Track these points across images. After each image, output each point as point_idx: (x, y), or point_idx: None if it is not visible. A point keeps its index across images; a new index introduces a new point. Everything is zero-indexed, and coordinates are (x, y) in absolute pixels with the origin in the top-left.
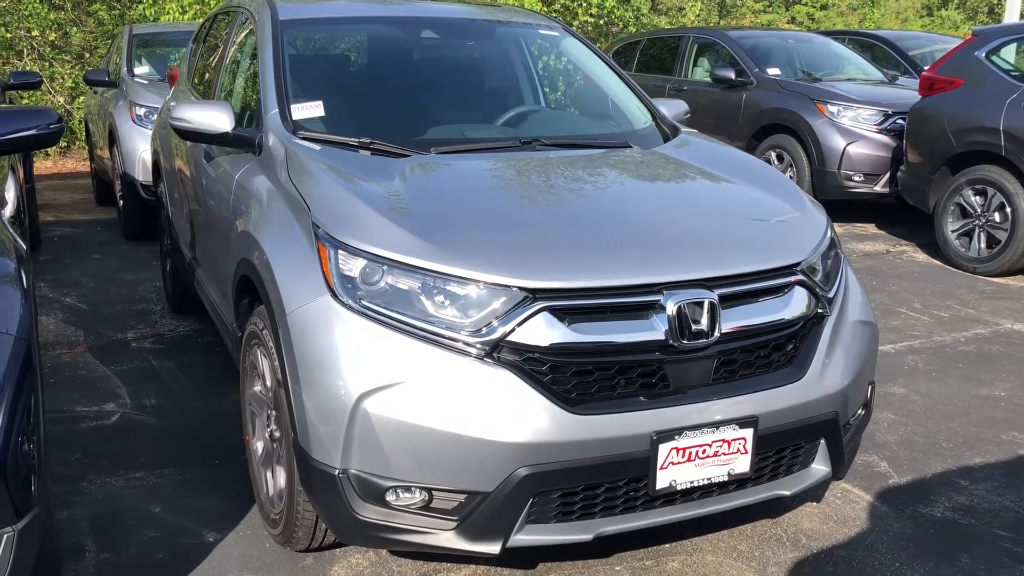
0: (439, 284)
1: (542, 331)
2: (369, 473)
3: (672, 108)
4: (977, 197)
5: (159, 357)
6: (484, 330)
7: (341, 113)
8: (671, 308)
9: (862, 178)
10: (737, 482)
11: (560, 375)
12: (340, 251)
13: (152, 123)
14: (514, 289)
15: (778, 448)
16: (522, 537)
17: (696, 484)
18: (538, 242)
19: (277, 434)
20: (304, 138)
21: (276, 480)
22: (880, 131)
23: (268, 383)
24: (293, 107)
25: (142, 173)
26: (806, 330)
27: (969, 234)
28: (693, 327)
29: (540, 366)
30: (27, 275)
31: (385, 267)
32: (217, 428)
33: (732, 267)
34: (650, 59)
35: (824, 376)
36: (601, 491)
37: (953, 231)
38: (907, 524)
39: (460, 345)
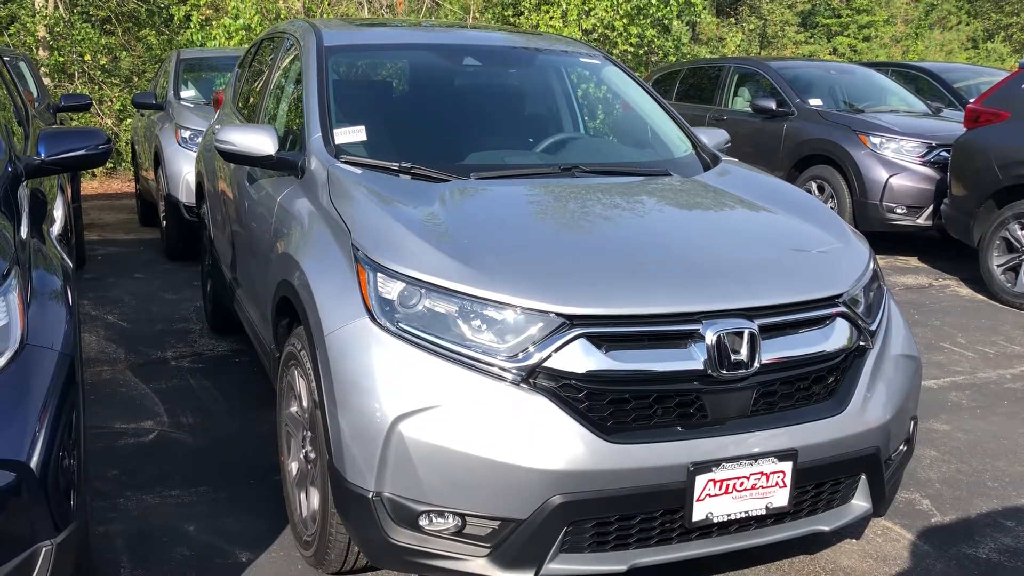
0: (476, 308)
1: (579, 358)
2: (403, 497)
3: (713, 137)
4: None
5: (197, 376)
6: (521, 355)
7: (382, 138)
8: (710, 338)
9: (904, 210)
10: (775, 516)
11: (596, 403)
12: (379, 274)
13: (197, 146)
14: (551, 315)
15: (818, 482)
16: (555, 566)
17: (733, 517)
18: (576, 268)
19: (312, 455)
20: (346, 162)
21: (310, 501)
22: (923, 163)
23: (304, 404)
24: (336, 131)
25: (185, 194)
26: (848, 363)
27: (1015, 269)
28: (732, 357)
29: (576, 393)
30: (72, 292)
31: (423, 290)
32: (252, 448)
33: (773, 297)
34: (690, 88)
35: (866, 410)
36: (636, 522)
37: (999, 265)
38: (950, 565)
39: (496, 370)
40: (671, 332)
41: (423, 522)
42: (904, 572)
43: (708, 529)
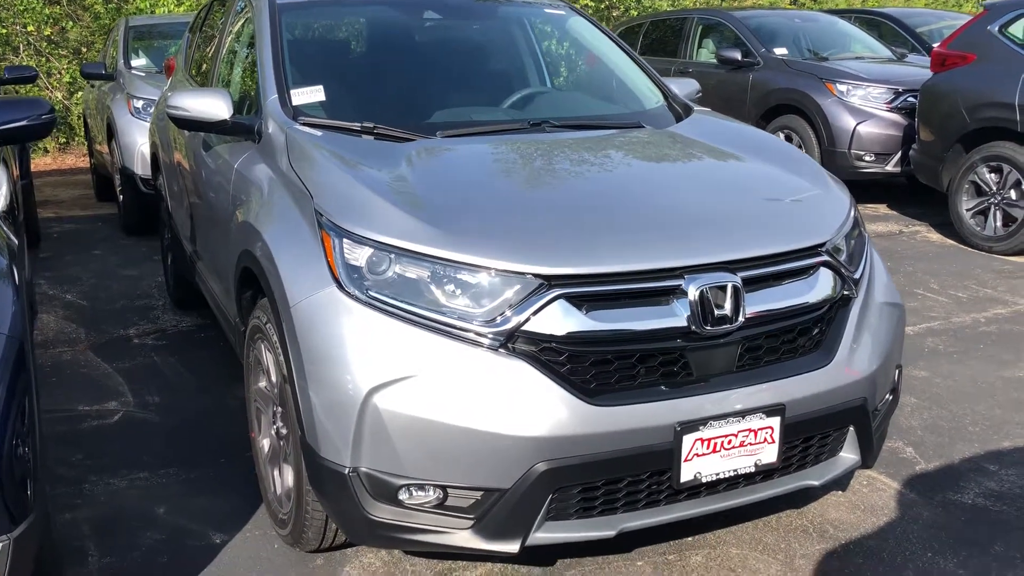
0: (449, 272)
1: (558, 319)
2: (380, 471)
3: (684, 87)
4: (992, 175)
5: (162, 353)
6: (498, 320)
7: (342, 98)
8: (693, 293)
9: (873, 158)
10: (764, 473)
11: (578, 365)
12: (345, 240)
13: (150, 116)
14: (528, 276)
15: (806, 437)
16: (542, 535)
17: (722, 476)
18: (551, 227)
19: (284, 431)
20: (305, 124)
21: (284, 479)
22: (891, 109)
23: (273, 378)
24: (293, 92)
25: (141, 167)
26: (832, 313)
27: (984, 212)
28: (716, 312)
29: (557, 356)
30: (19, 271)
31: (392, 255)
32: (222, 425)
33: (755, 249)
34: (654, 42)
35: (852, 361)
36: (623, 485)
37: (968, 209)
38: (937, 512)
39: (473, 336)
40: (652, 289)
41: (403, 496)
42: (892, 522)
43: (696, 489)
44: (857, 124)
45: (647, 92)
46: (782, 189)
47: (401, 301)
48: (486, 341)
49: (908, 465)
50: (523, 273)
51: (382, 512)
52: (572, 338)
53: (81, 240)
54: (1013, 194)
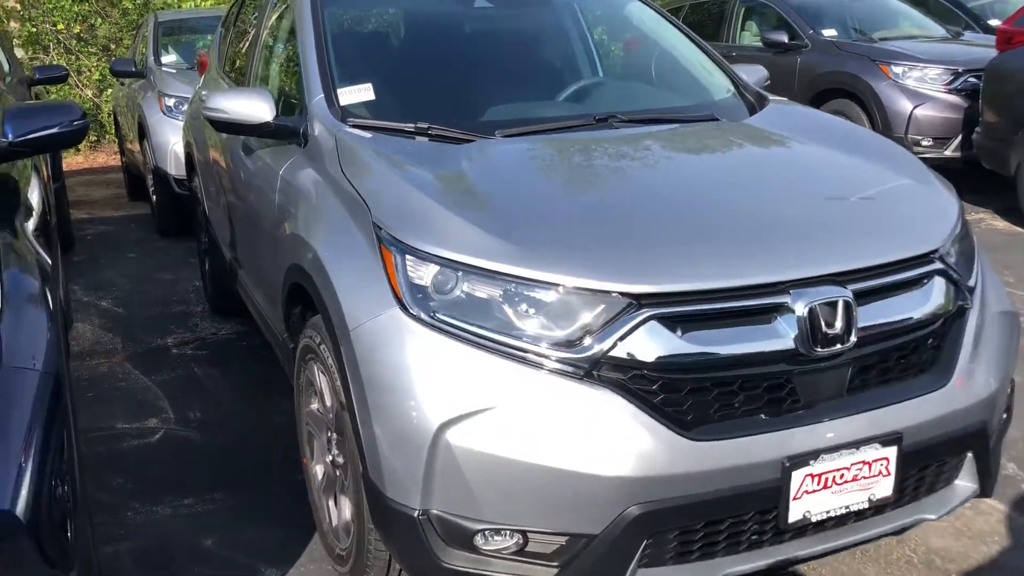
0: (525, 292)
1: (650, 343)
2: (454, 514)
3: (751, 74)
4: None
5: (202, 364)
6: (582, 345)
7: (389, 96)
8: (801, 310)
9: (931, 142)
10: (876, 508)
11: (673, 395)
12: (408, 256)
13: (183, 114)
14: (615, 295)
15: (922, 466)
16: None
17: (832, 515)
18: (636, 238)
19: (341, 460)
20: (354, 126)
21: (341, 510)
22: (949, 91)
23: (328, 403)
24: (340, 91)
25: (174, 166)
26: (947, 327)
27: None
28: (827, 331)
29: (649, 385)
30: (53, 293)
31: (459, 273)
32: (268, 444)
33: (865, 258)
34: (693, 25)
35: (971, 380)
36: (724, 527)
37: None
38: None
39: (555, 363)
40: (755, 307)
41: (479, 541)
42: (1006, 551)
43: (803, 528)
44: (914, 107)
45: (716, 81)
46: (885, 189)
47: (472, 324)
48: (570, 369)
49: (1013, 484)
50: (609, 292)
51: (456, 559)
52: (666, 364)
53: (115, 242)
54: None
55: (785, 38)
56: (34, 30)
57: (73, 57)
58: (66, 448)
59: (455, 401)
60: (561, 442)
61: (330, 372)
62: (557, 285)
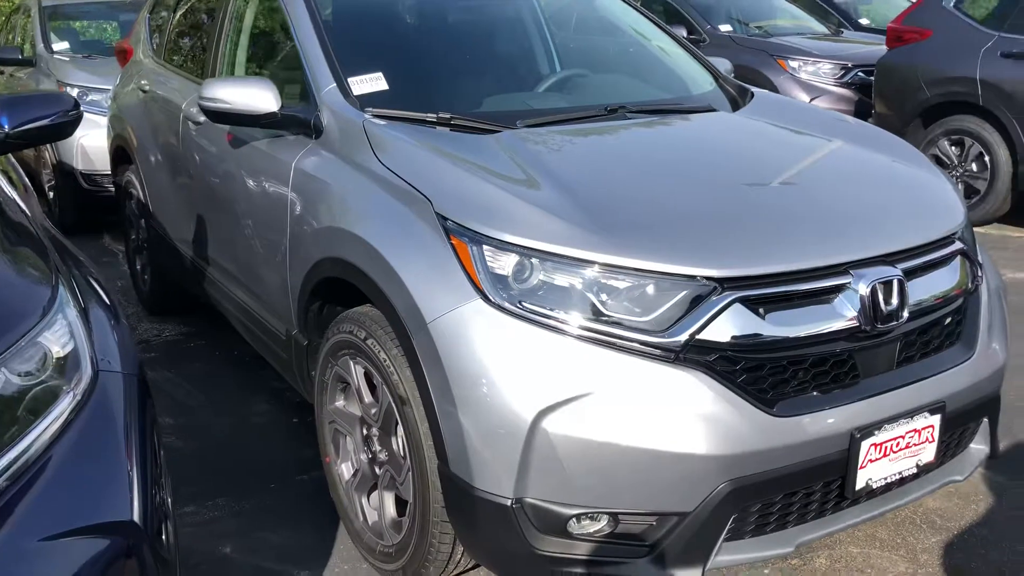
0: (608, 278)
1: (736, 325)
2: (550, 501)
3: (721, 66)
4: (953, 148)
5: (156, 368)
6: (671, 329)
7: (397, 86)
8: (864, 290)
9: None
10: (919, 473)
11: (756, 374)
12: (486, 247)
13: (89, 105)
14: (700, 279)
15: (954, 432)
16: (723, 559)
17: (889, 481)
18: (711, 224)
19: (384, 457)
20: (376, 115)
21: (384, 508)
22: (840, 85)
23: (369, 399)
24: (351, 81)
25: (83, 161)
26: (967, 303)
27: None
28: (885, 308)
29: (734, 365)
30: (103, 288)
31: (535, 261)
32: (257, 446)
33: (909, 239)
34: None
35: (989, 350)
36: (798, 498)
37: None
38: None
39: (646, 348)
40: (824, 288)
41: (572, 527)
42: (993, 508)
43: (864, 495)
44: (811, 100)
45: (700, 73)
46: (906, 176)
47: (560, 311)
48: (659, 352)
49: None
50: (693, 276)
51: (549, 546)
52: (750, 345)
53: None
54: (975, 166)
55: (684, 33)
56: None
57: None
58: (159, 452)
59: (551, 389)
60: (656, 424)
61: (382, 367)
62: (644, 271)
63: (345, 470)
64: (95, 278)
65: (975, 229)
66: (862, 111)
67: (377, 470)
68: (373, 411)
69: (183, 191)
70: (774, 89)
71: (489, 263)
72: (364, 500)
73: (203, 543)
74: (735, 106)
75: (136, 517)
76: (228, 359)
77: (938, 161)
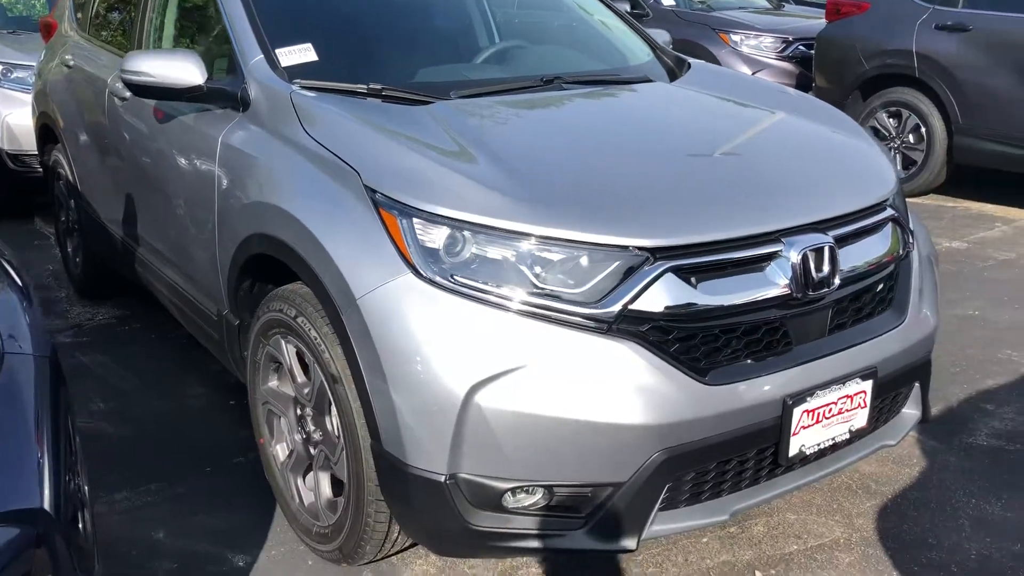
0: (541, 249)
1: (668, 295)
2: (484, 476)
3: (659, 37)
4: (891, 119)
5: (88, 352)
6: (604, 300)
7: (325, 57)
8: (795, 257)
9: None
10: (852, 439)
11: (688, 343)
12: (415, 220)
13: (14, 82)
14: (632, 249)
15: (886, 398)
16: (658, 528)
17: (823, 447)
18: (643, 194)
19: (318, 437)
20: (304, 87)
21: (319, 489)
22: (781, 58)
23: (301, 378)
24: (279, 52)
25: (8, 141)
26: (898, 269)
27: None
28: (816, 275)
29: (666, 335)
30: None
31: (467, 234)
32: (192, 429)
33: (840, 207)
34: None
35: (920, 316)
36: (731, 466)
37: None
38: (961, 457)
39: (578, 319)
40: (756, 256)
41: (507, 500)
42: (925, 471)
43: (797, 462)
44: (754, 73)
45: (638, 45)
46: (836, 143)
47: (491, 284)
48: (592, 324)
49: None
50: (626, 247)
51: (484, 520)
52: (682, 314)
53: None
54: (912, 138)
55: (627, 7)
56: None
57: None
58: (72, 436)
59: (483, 363)
60: (589, 395)
61: (313, 345)
62: (576, 242)
63: (280, 451)
64: (8, 260)
65: (912, 200)
66: (804, 84)
67: (312, 450)
68: (306, 391)
69: (111, 169)
70: (716, 63)
71: (420, 236)
72: (300, 481)
73: (135, 529)
74: (672, 77)
75: (47, 505)
76: (163, 341)
77: (876, 133)
